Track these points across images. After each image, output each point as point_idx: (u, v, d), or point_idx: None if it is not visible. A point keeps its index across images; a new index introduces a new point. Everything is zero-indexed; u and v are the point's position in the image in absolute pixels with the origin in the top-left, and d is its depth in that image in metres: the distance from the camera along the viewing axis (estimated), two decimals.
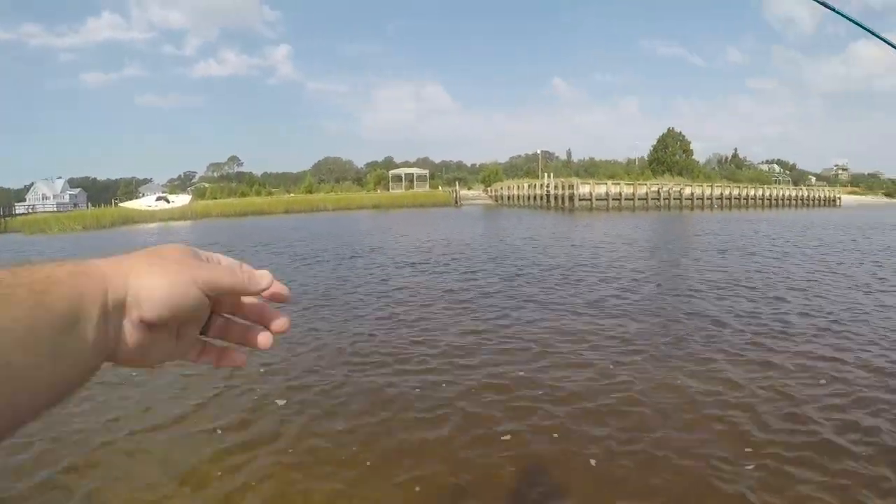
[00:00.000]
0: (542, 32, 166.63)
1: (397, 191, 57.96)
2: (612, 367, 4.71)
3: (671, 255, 12.87)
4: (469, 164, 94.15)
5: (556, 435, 3.47)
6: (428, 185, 59.88)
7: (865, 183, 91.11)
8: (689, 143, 64.91)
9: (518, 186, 47.60)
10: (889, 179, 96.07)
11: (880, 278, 9.05)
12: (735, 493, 2.79)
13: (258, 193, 62.86)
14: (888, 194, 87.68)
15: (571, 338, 5.64)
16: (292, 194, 61.91)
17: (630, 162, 64.87)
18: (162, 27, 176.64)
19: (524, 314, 6.72)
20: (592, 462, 3.14)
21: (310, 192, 62.33)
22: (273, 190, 71.71)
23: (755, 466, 3.02)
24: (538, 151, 59.83)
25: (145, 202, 46.26)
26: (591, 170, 62.85)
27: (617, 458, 3.18)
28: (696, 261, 11.73)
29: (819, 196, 55.63)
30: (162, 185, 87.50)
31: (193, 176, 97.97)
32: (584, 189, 40.57)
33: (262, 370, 4.76)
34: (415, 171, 62.42)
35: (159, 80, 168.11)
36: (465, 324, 6.32)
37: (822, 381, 4.31)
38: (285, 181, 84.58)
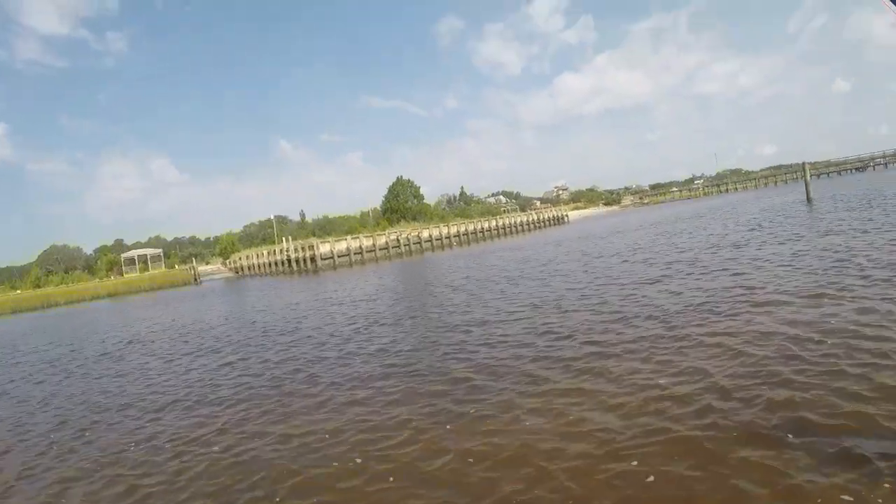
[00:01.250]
0: (262, 98, 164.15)
1: (132, 274, 52.10)
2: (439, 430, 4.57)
3: (431, 298, 13.21)
4: (203, 238, 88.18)
5: None
6: (164, 265, 54.44)
7: (585, 197, 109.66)
8: (419, 188, 68.43)
9: (258, 255, 44.87)
10: (605, 191, 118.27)
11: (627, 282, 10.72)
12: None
13: None
14: (607, 203, 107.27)
15: (384, 410, 5.30)
16: (19, 290, 56.20)
17: (364, 214, 66.92)
18: None
19: (303, 401, 5.95)
20: None
21: (38, 286, 56.91)
22: None
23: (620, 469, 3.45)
24: (272, 216, 58.09)
25: None
26: (326, 227, 62.87)
27: None
28: (467, 297, 12.08)
29: (548, 217, 64.61)
30: None
31: None
32: (324, 248, 39.78)
33: None
34: (148, 251, 55.85)
35: None
36: (239, 429, 5.44)
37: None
38: (10, 275, 73.44)
